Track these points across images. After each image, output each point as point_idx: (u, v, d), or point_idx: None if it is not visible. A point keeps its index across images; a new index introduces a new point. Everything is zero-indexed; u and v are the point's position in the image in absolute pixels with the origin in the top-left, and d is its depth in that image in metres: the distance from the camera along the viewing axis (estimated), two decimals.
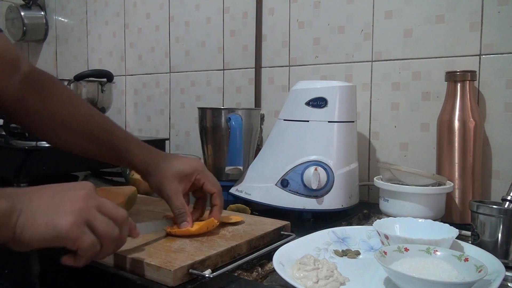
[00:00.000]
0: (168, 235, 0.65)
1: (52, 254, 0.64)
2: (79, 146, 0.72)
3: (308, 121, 0.85)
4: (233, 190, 0.94)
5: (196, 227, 0.64)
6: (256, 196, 0.88)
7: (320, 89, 0.85)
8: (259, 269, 0.61)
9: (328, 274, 0.53)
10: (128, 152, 0.70)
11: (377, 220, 0.68)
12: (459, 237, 0.63)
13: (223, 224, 0.70)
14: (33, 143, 1.05)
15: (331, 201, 0.83)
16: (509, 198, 0.64)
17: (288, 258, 0.57)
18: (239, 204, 0.83)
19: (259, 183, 0.88)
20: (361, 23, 1.05)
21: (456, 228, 0.62)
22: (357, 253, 0.65)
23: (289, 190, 0.84)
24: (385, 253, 0.54)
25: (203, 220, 0.68)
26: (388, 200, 0.82)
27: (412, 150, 0.99)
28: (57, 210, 0.44)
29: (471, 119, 0.83)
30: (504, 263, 0.54)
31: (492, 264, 0.53)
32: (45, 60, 1.92)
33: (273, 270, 0.57)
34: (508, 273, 0.56)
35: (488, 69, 0.89)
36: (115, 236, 0.47)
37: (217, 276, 0.53)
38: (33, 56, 1.97)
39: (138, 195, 0.97)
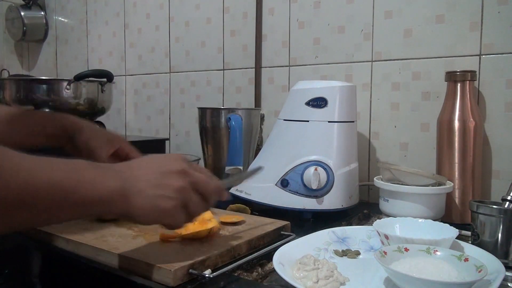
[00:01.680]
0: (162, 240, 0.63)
1: (53, 254, 0.64)
2: (9, 138, 0.72)
3: (308, 121, 0.85)
4: (233, 190, 0.94)
5: (189, 230, 0.62)
6: (256, 196, 0.88)
7: (320, 89, 0.85)
8: (259, 269, 0.61)
9: (328, 274, 0.53)
10: (60, 117, 0.73)
11: (377, 220, 0.68)
12: (459, 237, 0.63)
13: (224, 224, 0.70)
14: None
15: (331, 201, 0.83)
16: (509, 198, 0.64)
17: (288, 258, 0.57)
18: (239, 204, 0.83)
19: (259, 183, 0.88)
20: (361, 23, 1.05)
21: (456, 228, 0.62)
22: (357, 253, 0.65)
23: (289, 190, 0.84)
24: (385, 253, 0.54)
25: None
26: (388, 200, 0.82)
27: (412, 150, 0.99)
28: (161, 193, 0.51)
29: (471, 119, 0.83)
30: (504, 263, 0.54)
31: (492, 264, 0.53)
32: (45, 60, 1.92)
33: (273, 270, 0.57)
34: (508, 273, 0.56)
35: (488, 69, 0.89)
36: (203, 211, 0.56)
37: (217, 276, 0.53)
38: (33, 56, 1.97)
39: None
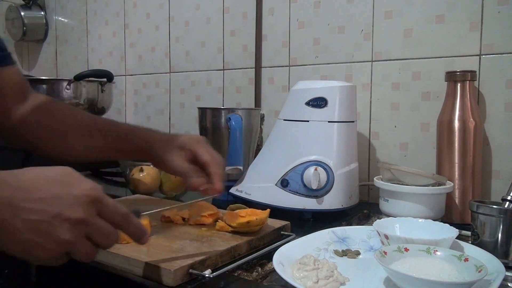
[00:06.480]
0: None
1: None
2: (87, 148, 0.75)
3: (308, 121, 0.85)
4: (233, 190, 0.94)
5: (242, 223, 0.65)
6: (256, 196, 0.88)
7: (320, 89, 0.85)
8: (259, 269, 0.61)
9: (328, 274, 0.53)
10: (132, 134, 0.73)
11: (377, 220, 0.68)
12: (459, 237, 0.63)
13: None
14: None
15: (331, 201, 0.83)
16: (509, 198, 0.64)
17: (288, 258, 0.57)
18: (239, 204, 0.83)
19: (259, 183, 0.88)
20: (361, 23, 1.05)
21: (456, 228, 0.62)
22: (357, 253, 0.65)
23: (289, 190, 0.84)
24: (385, 253, 0.54)
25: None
26: (388, 200, 0.82)
27: (412, 150, 0.99)
28: (40, 241, 0.40)
29: (471, 119, 0.83)
30: (504, 263, 0.54)
31: (492, 264, 0.53)
32: (45, 60, 1.92)
33: (273, 270, 0.57)
34: (508, 273, 0.56)
35: (488, 69, 0.89)
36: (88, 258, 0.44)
37: (217, 276, 0.53)
38: (33, 56, 1.97)
39: (138, 195, 0.97)
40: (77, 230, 0.41)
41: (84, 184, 0.43)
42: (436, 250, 0.55)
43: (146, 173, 0.97)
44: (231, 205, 0.83)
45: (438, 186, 0.80)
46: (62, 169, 0.44)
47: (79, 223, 0.41)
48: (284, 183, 0.84)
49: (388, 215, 0.81)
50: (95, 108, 1.22)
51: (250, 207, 0.74)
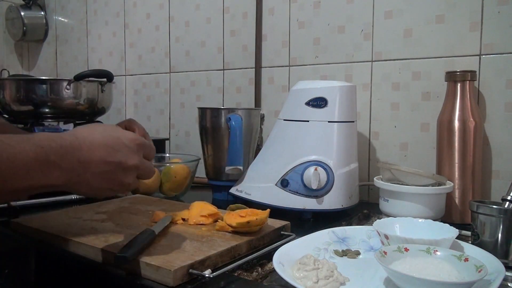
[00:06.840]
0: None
1: (53, 254, 0.64)
2: None
3: (308, 121, 0.85)
4: (233, 190, 0.94)
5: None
6: (256, 196, 0.88)
7: (320, 89, 0.85)
8: (259, 269, 0.61)
9: (328, 274, 0.53)
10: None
11: (377, 220, 0.68)
12: (459, 237, 0.63)
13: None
14: None
15: (331, 201, 0.83)
16: (509, 198, 0.64)
17: (288, 258, 0.57)
18: (239, 204, 0.83)
19: (259, 183, 0.88)
20: (361, 23, 1.05)
21: (456, 228, 0.62)
22: (357, 253, 0.65)
23: (289, 190, 0.84)
24: (385, 253, 0.54)
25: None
26: (388, 200, 0.82)
27: (412, 150, 0.99)
28: (107, 186, 0.53)
29: (471, 119, 0.83)
30: (504, 263, 0.54)
31: (492, 264, 0.53)
32: (45, 60, 1.92)
33: (273, 270, 0.57)
34: (508, 273, 0.56)
35: (488, 69, 0.89)
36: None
37: (217, 276, 0.53)
38: (33, 56, 1.97)
39: (138, 195, 0.97)
40: (135, 173, 0.55)
41: (128, 134, 0.55)
42: (436, 250, 0.55)
43: None
44: (231, 205, 0.83)
45: (438, 186, 0.80)
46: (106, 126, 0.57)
47: (135, 167, 0.54)
48: (284, 183, 0.84)
49: (388, 215, 0.81)
50: (95, 108, 1.22)
51: (250, 207, 0.74)
